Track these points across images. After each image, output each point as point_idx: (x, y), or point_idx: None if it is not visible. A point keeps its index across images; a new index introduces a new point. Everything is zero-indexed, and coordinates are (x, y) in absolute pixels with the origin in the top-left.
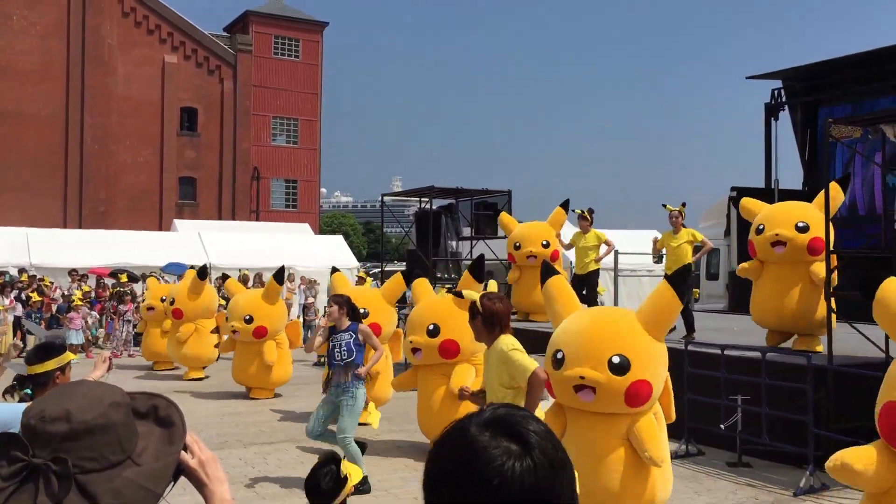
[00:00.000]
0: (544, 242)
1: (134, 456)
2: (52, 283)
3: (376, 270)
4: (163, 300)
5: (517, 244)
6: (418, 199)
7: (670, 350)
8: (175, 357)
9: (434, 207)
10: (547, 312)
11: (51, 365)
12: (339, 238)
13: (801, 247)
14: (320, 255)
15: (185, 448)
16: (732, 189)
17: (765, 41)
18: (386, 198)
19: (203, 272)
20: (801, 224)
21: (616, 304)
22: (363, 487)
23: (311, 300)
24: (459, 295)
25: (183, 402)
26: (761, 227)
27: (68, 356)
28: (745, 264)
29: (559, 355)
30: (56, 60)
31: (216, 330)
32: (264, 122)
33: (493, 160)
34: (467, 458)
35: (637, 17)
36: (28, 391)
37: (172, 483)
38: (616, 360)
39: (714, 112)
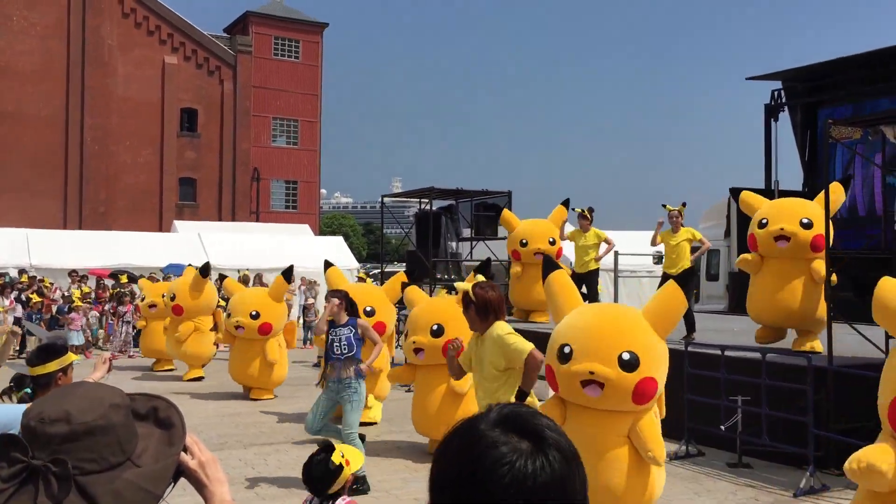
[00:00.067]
0: (551, 240)
1: (134, 457)
2: (52, 283)
3: (376, 271)
4: (164, 296)
5: (523, 241)
6: (418, 200)
7: (670, 350)
8: (174, 354)
9: (434, 208)
10: (548, 307)
11: (53, 366)
12: (339, 239)
13: (804, 243)
14: (320, 256)
15: (185, 449)
16: (731, 190)
17: (765, 41)
18: (386, 199)
19: (205, 269)
20: (805, 220)
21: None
22: (362, 487)
23: (311, 301)
24: (453, 289)
25: (182, 404)
26: (764, 220)
27: (70, 357)
28: (745, 255)
29: (566, 349)
30: (56, 61)
31: (214, 327)
32: (264, 122)
33: (493, 160)
34: (475, 456)
35: (637, 17)
36: (28, 391)
37: (172, 484)
38: (626, 356)
39: (714, 113)
